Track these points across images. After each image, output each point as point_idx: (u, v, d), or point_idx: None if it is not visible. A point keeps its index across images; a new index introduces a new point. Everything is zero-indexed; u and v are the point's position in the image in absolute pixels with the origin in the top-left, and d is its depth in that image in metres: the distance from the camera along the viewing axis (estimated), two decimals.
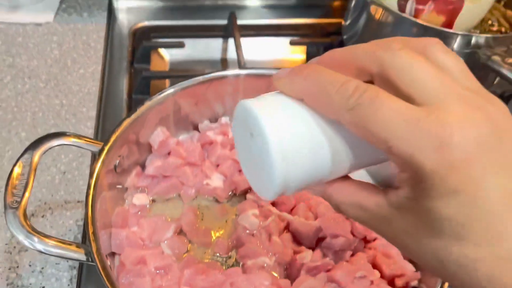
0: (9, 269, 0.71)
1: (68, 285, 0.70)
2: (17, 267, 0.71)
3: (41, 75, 0.99)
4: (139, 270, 0.61)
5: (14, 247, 0.73)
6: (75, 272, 0.72)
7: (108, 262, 0.55)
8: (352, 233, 0.65)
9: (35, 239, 0.51)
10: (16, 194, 0.52)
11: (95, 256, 0.50)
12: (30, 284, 0.70)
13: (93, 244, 0.51)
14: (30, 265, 0.72)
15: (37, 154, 0.56)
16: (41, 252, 0.51)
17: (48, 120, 0.91)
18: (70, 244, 0.52)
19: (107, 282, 0.49)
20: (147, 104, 0.68)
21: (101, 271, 0.50)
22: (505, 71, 0.71)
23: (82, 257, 0.51)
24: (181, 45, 1.02)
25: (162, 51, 1.09)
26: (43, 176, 0.83)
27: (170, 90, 0.70)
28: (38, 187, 0.81)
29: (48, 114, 0.92)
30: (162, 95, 0.70)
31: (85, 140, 0.61)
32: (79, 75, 1.01)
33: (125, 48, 1.07)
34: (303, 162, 0.34)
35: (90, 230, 0.52)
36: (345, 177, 0.37)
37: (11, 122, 0.90)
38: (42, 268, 0.72)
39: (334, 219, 0.64)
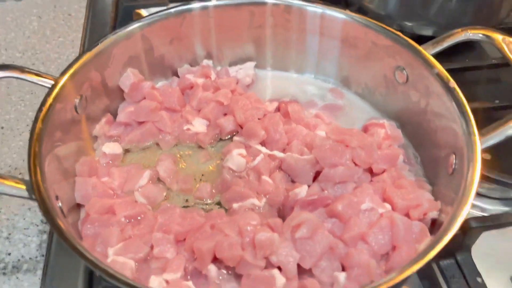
0: None
1: (37, 250, 0.62)
2: None
3: (18, 46, 0.93)
4: (106, 220, 0.52)
5: None
6: (45, 236, 0.64)
7: (57, 207, 0.47)
8: (353, 162, 0.54)
9: None
10: None
11: (35, 188, 0.42)
12: None
13: (34, 178, 0.43)
14: None
15: None
16: None
17: (23, 88, 0.85)
18: (6, 179, 0.44)
19: (48, 220, 0.40)
20: (111, 38, 0.60)
21: (42, 207, 0.41)
22: None
23: (23, 192, 0.43)
24: (164, 3, 0.94)
25: (144, 12, 1.02)
26: (14, 141, 0.76)
27: (137, 24, 0.62)
28: (9, 153, 0.74)
29: (23, 82, 0.86)
30: (128, 28, 0.62)
31: (36, 75, 0.53)
32: (58, 43, 0.94)
33: (107, 14, 1.00)
34: None
35: (32, 162, 0.44)
36: None
37: None
38: (9, 234, 0.64)
39: (332, 148, 0.54)
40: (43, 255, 0.61)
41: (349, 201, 0.50)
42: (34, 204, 0.67)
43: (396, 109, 0.65)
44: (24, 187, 0.44)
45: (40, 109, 0.50)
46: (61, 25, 0.98)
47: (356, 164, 0.54)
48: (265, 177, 0.57)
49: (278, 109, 0.68)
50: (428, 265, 0.63)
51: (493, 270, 0.62)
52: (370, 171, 0.56)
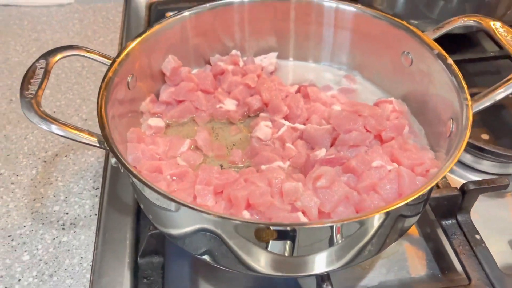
0: (34, 199, 0.73)
1: (91, 210, 0.72)
2: (42, 197, 0.73)
3: (64, 44, 1.05)
4: (154, 177, 0.61)
5: (39, 181, 0.76)
6: (97, 199, 0.73)
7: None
8: (365, 129, 0.63)
9: (52, 125, 0.53)
10: (31, 88, 0.54)
11: (108, 136, 0.52)
12: (54, 211, 0.71)
13: (107, 127, 0.53)
14: (54, 196, 0.74)
15: (52, 61, 0.59)
16: (55, 134, 0.53)
17: (70, 79, 0.96)
18: (82, 131, 0.54)
19: (121, 158, 0.50)
20: (156, 27, 0.70)
21: (114, 149, 0.51)
22: None
23: (94, 142, 0.53)
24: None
25: None
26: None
27: (177, 16, 0.73)
28: (62, 138, 0.84)
29: (70, 75, 0.97)
30: (170, 19, 0.72)
31: (97, 54, 0.64)
32: (99, 42, 1.06)
33: (141, 18, 1.12)
34: None
35: (103, 115, 0.54)
36: None
37: None
38: (66, 197, 0.74)
39: (346, 117, 0.63)
40: (96, 214, 0.71)
41: (362, 158, 0.59)
42: (85, 174, 0.77)
43: (403, 91, 0.74)
44: (95, 138, 0.53)
45: (103, 80, 0.60)
46: (101, 28, 1.10)
47: (367, 131, 0.63)
48: (289, 144, 0.66)
49: (298, 91, 0.77)
50: (430, 222, 0.71)
51: (492, 235, 0.70)
52: (380, 139, 0.65)
